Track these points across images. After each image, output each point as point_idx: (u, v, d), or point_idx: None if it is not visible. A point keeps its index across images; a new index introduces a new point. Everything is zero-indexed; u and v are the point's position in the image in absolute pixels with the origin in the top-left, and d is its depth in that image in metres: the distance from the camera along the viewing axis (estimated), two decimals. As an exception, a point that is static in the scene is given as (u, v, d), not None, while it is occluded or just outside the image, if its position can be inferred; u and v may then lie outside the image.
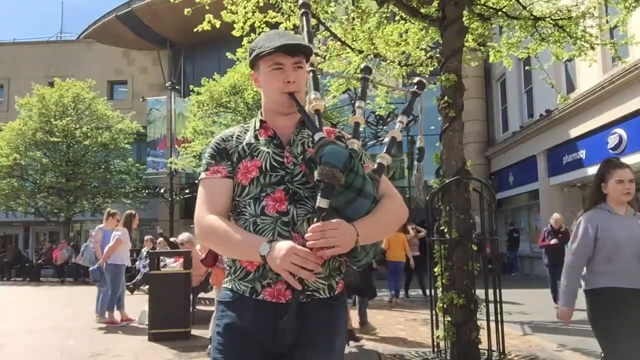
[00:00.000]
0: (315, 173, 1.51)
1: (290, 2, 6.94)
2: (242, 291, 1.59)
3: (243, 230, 1.58)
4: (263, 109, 1.74)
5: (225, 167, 1.65)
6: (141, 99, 24.37)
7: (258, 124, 1.71)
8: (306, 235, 1.48)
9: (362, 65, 1.92)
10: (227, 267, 1.67)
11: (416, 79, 1.97)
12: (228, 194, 1.64)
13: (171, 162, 19.42)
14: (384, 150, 1.74)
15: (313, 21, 7.31)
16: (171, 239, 12.32)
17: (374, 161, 1.72)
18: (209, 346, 4.53)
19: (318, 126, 1.67)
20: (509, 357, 5.04)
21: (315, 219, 1.49)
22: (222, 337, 1.59)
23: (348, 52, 8.00)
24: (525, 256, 17.50)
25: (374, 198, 1.60)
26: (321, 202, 1.49)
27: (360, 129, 1.77)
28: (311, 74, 1.80)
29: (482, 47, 7.91)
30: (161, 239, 11.49)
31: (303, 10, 1.99)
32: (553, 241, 8.67)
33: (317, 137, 1.60)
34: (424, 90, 1.96)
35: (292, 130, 1.69)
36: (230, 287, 1.63)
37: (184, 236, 8.43)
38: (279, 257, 1.44)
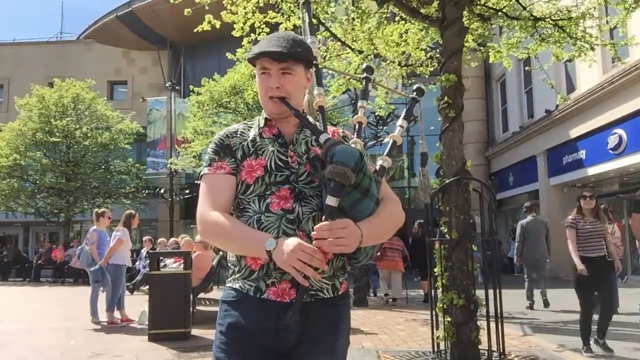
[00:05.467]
0: (326, 171, 1.51)
1: (290, 3, 6.94)
2: (247, 290, 1.58)
3: (248, 226, 1.57)
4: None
5: (229, 164, 1.64)
6: (141, 99, 24.37)
7: (262, 122, 1.70)
8: (313, 233, 1.48)
9: (364, 65, 1.93)
10: (232, 267, 1.66)
11: (415, 86, 1.98)
12: (231, 191, 1.63)
13: (171, 163, 19.42)
14: (385, 153, 1.75)
15: (313, 21, 7.31)
16: (170, 240, 12.33)
17: (374, 162, 1.73)
18: None
19: (322, 123, 1.68)
20: (509, 357, 5.04)
21: (324, 217, 1.49)
22: (225, 336, 1.59)
23: (348, 53, 8.00)
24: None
25: (377, 200, 1.62)
26: (330, 200, 1.49)
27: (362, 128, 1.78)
28: (314, 68, 1.78)
29: (482, 48, 7.92)
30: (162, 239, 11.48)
31: (304, 0, 1.98)
32: None
33: (323, 138, 1.61)
34: (422, 97, 1.98)
35: (294, 129, 1.69)
36: (234, 286, 1.62)
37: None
38: (285, 253, 1.44)
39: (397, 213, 1.70)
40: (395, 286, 9.72)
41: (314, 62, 1.77)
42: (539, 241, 8.91)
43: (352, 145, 1.64)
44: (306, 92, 1.79)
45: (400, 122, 1.85)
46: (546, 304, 8.68)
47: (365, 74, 1.89)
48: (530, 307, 8.74)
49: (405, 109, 1.90)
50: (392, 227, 1.70)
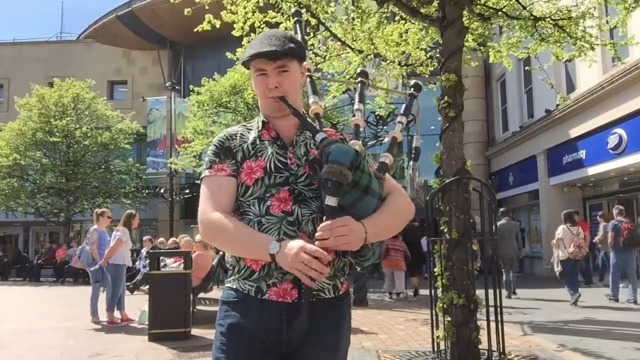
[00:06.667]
0: (322, 171, 1.51)
1: (290, 2, 6.94)
2: (247, 291, 1.58)
3: (250, 228, 1.57)
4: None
5: (230, 166, 1.64)
6: (141, 99, 24.37)
7: (260, 124, 1.70)
8: (316, 235, 1.48)
9: (358, 70, 1.95)
10: (230, 267, 1.66)
11: (412, 82, 1.99)
12: (232, 193, 1.63)
13: (171, 162, 19.42)
14: (386, 150, 1.75)
15: (313, 21, 7.32)
16: (170, 240, 12.31)
17: (376, 161, 1.73)
18: None
19: (318, 129, 1.68)
20: (509, 357, 5.03)
21: (325, 218, 1.49)
22: (226, 337, 1.58)
23: (348, 52, 8.00)
24: (526, 256, 17.50)
25: (379, 196, 1.61)
26: (329, 200, 1.49)
27: (361, 130, 1.78)
28: (308, 79, 1.80)
29: (482, 47, 7.92)
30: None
31: (296, 18, 2.01)
32: None
33: (319, 137, 1.60)
34: (420, 92, 1.99)
35: (294, 131, 1.69)
36: (234, 286, 1.62)
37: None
38: (289, 255, 1.44)
39: (404, 204, 1.69)
40: (398, 283, 11.03)
41: (308, 73, 1.78)
42: (511, 240, 10.47)
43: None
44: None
45: (399, 118, 1.84)
46: (513, 292, 10.36)
47: (360, 78, 1.89)
48: (508, 297, 10.03)
49: (404, 105, 1.90)
50: (399, 221, 1.69)
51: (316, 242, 1.46)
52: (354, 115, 1.80)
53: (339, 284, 1.63)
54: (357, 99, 1.85)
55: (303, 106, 1.78)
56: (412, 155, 2.32)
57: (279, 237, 1.52)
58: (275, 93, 1.63)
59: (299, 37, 1.92)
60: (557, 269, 9.44)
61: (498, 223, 10.18)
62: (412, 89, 1.97)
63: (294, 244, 1.45)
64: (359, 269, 1.70)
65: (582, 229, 9.61)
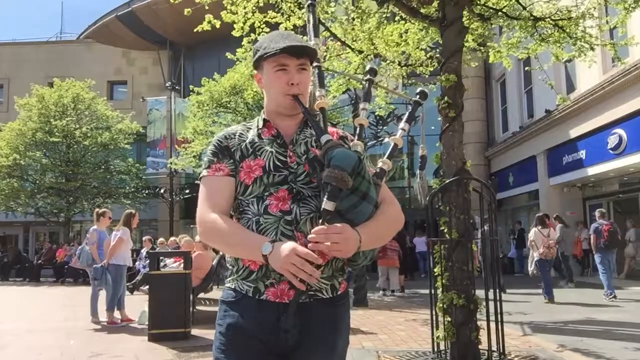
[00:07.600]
0: (323, 175, 1.51)
1: (290, 2, 6.94)
2: (245, 291, 1.58)
3: (246, 229, 1.58)
4: (266, 109, 1.73)
5: (228, 165, 1.64)
6: (141, 99, 24.39)
7: (261, 122, 1.70)
8: (310, 237, 1.48)
9: (367, 67, 1.92)
10: (230, 267, 1.66)
11: (418, 89, 1.97)
12: (230, 192, 1.63)
13: (171, 163, 19.42)
14: (386, 156, 1.74)
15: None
16: (170, 240, 12.29)
17: (374, 164, 1.73)
18: None
19: (323, 124, 1.67)
20: (509, 357, 5.03)
21: (320, 221, 1.49)
22: (225, 336, 1.59)
23: (348, 53, 8.00)
24: (526, 256, 17.48)
25: (376, 203, 1.61)
26: (327, 205, 1.49)
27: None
28: (317, 69, 1.78)
29: (482, 47, 7.92)
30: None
31: (309, 2, 1.98)
32: None
33: (324, 139, 1.60)
34: (426, 100, 1.97)
35: (295, 130, 1.68)
36: (233, 286, 1.63)
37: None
38: (280, 256, 1.44)
39: (396, 216, 1.69)
40: (393, 280, 11.66)
41: (317, 63, 1.77)
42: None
43: (352, 148, 1.63)
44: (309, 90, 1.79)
45: (402, 125, 1.83)
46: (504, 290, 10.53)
47: (368, 76, 1.86)
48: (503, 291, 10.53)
49: (407, 112, 1.88)
50: (391, 230, 1.70)
51: (309, 245, 1.46)
52: (355, 115, 1.78)
53: (337, 284, 1.63)
54: (362, 98, 1.82)
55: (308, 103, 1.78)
56: (419, 164, 2.33)
57: (276, 237, 1.53)
58: (295, 90, 1.63)
59: (311, 23, 1.91)
60: (531, 268, 10.19)
61: (485, 226, 10.38)
62: (418, 96, 1.94)
63: (287, 246, 1.45)
64: (350, 269, 1.70)
65: (553, 231, 10.30)
